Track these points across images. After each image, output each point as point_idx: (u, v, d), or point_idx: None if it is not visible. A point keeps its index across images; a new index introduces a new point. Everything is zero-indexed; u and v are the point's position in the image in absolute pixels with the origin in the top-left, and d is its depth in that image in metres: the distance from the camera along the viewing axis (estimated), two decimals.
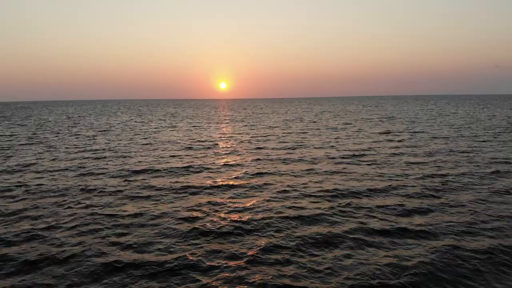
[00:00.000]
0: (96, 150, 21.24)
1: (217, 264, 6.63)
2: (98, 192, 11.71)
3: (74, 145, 23.61)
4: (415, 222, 8.73)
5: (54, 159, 18.09)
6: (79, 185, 12.60)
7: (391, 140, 23.83)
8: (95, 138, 27.79)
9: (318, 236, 7.85)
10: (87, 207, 10.16)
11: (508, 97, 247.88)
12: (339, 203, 10.23)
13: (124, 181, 13.18)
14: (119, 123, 43.92)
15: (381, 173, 14.08)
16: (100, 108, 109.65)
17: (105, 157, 18.55)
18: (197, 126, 38.79)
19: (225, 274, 6.29)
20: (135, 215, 9.40)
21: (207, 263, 6.67)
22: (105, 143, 24.52)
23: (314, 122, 42.74)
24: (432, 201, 10.39)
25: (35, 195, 11.45)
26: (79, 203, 10.50)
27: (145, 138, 27.09)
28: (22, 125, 41.72)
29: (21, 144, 24.17)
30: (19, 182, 13.22)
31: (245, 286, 5.90)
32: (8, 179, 13.77)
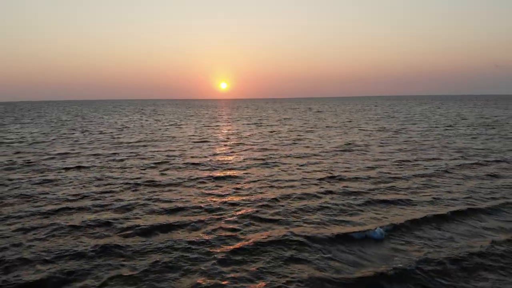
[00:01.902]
0: (121, 143, 24.11)
1: (236, 228, 9.48)
2: (135, 183, 14.55)
3: (96, 139, 26.49)
4: (398, 194, 11.62)
5: (86, 152, 20.94)
6: (117, 170, 15.46)
7: (383, 136, 26.70)
8: (113, 134, 30.65)
9: (312, 205, 10.72)
10: (127, 184, 13.00)
11: (508, 97, 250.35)
12: (332, 185, 13.12)
13: (158, 170, 16.04)
14: (129, 121, 46.80)
15: (368, 161, 16.95)
16: (104, 108, 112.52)
17: (136, 151, 21.41)
18: (204, 125, 41.68)
19: (242, 231, 9.15)
20: (171, 194, 12.27)
21: (229, 225, 9.54)
22: (127, 136, 27.39)
23: (314, 120, 45.63)
24: (408, 181, 13.27)
25: (86, 178, 14.28)
26: (122, 181, 13.35)
27: (154, 134, 29.96)
28: (38, 124, 44.54)
29: (53, 139, 27.03)
30: (64, 168, 16.04)
31: (257, 235, 8.78)
32: (62, 160, 16.61)
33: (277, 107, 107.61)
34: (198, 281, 6.27)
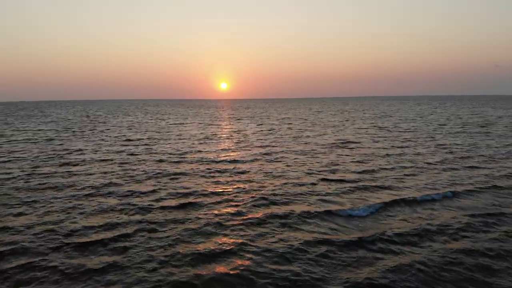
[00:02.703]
0: (132, 140, 25.77)
1: (243, 205, 11.16)
2: (153, 174, 16.22)
3: (108, 136, 28.15)
4: (382, 181, 13.31)
5: (102, 148, 22.60)
6: (134, 163, 17.15)
7: (376, 134, 28.41)
8: (123, 132, 32.31)
9: (307, 190, 12.41)
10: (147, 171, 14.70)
11: (508, 97, 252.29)
12: (325, 174, 14.82)
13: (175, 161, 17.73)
14: (134, 120, 48.44)
15: (358, 155, 18.65)
16: (107, 108, 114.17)
17: (148, 147, 23.09)
18: (207, 124, 43.38)
19: (248, 208, 10.84)
20: (187, 182, 13.96)
21: (238, 204, 11.23)
22: (137, 134, 29.05)
23: (313, 119, 47.34)
24: (392, 171, 14.95)
25: (108, 170, 15.94)
26: (141, 169, 15.05)
27: (161, 132, 31.64)
28: (47, 123, 46.14)
29: (67, 136, 28.69)
30: (86, 162, 17.71)
31: (260, 212, 10.47)
32: (82, 155, 18.26)
33: (277, 107, 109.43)
34: (218, 240, 8.02)
